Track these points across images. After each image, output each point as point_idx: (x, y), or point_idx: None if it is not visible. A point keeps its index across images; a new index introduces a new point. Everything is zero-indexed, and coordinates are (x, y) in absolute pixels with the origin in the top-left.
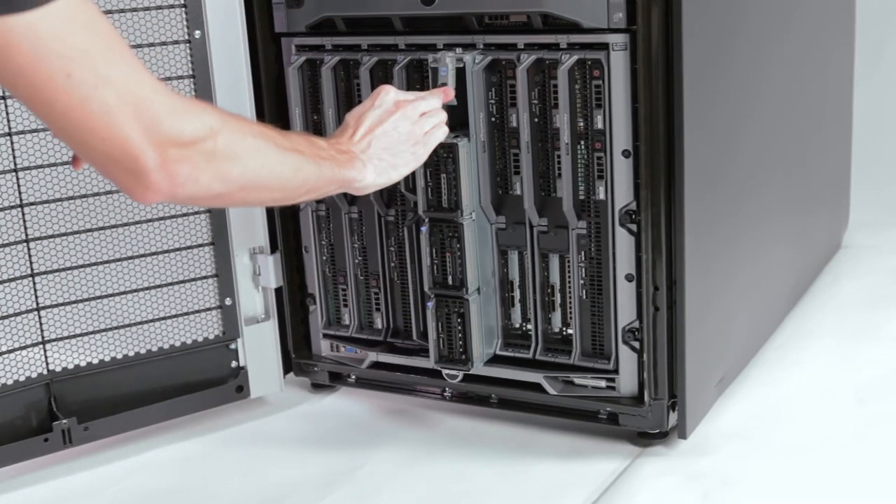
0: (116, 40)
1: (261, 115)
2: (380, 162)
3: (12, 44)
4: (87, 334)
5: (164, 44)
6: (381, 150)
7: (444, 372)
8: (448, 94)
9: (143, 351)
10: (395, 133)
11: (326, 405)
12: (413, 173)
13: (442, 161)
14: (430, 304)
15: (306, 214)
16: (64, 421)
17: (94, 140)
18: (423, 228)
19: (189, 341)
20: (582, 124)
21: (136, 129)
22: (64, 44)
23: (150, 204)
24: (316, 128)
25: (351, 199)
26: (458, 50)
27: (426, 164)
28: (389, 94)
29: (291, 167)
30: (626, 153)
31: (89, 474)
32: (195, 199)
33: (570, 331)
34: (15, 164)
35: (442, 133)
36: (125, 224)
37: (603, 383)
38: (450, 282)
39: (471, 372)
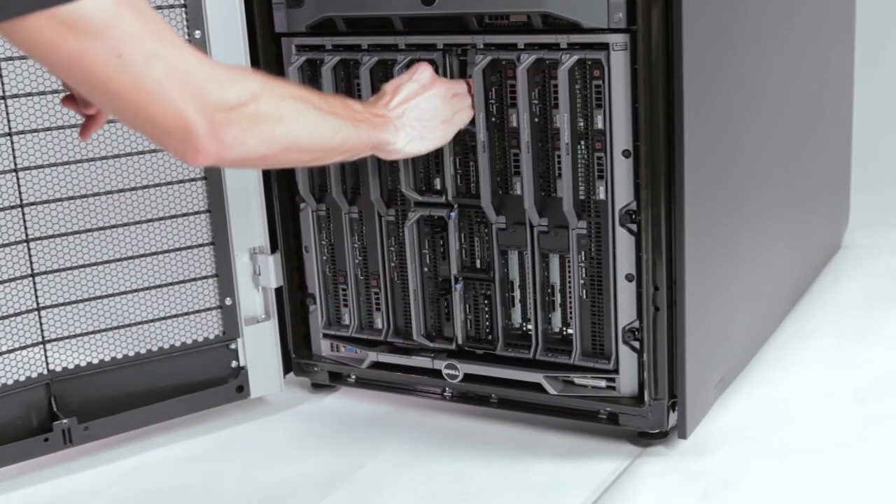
0: (157, 18)
1: None
2: (411, 130)
3: (65, 33)
4: (87, 334)
5: None
6: (413, 119)
7: (444, 372)
8: (473, 86)
9: (143, 351)
10: (429, 108)
11: (326, 405)
12: (442, 162)
13: (470, 149)
14: (458, 287)
15: (306, 214)
16: (64, 421)
17: (147, 114)
18: (452, 214)
19: (189, 341)
20: (582, 124)
21: (185, 100)
22: (114, 27)
23: (202, 166)
24: None
25: (351, 199)
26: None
27: (455, 153)
28: (426, 71)
29: (330, 129)
30: (626, 153)
31: (89, 474)
32: (242, 161)
33: (570, 331)
34: (15, 164)
35: (468, 116)
36: (125, 224)
37: (603, 383)
38: (478, 265)
39: (471, 372)
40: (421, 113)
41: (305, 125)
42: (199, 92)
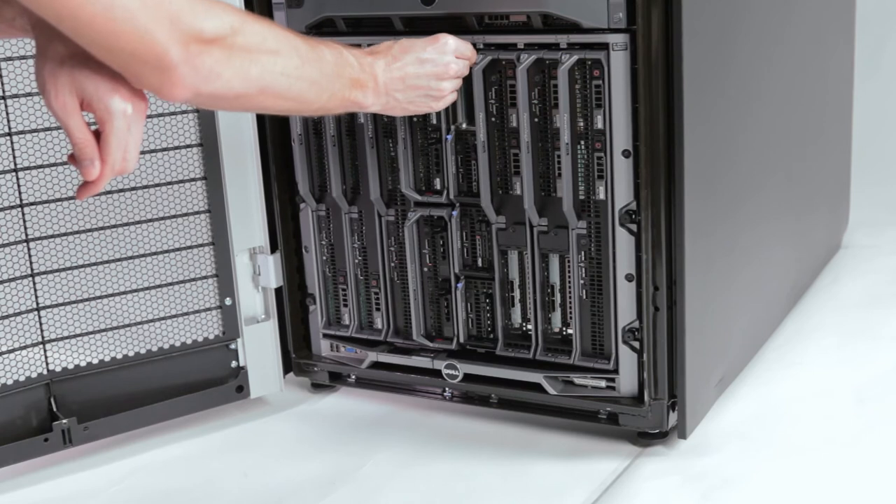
0: None
1: (260, 115)
2: (392, 100)
3: None
4: (87, 334)
5: None
6: (400, 93)
7: (444, 372)
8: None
9: (143, 351)
10: (425, 86)
11: (326, 405)
12: (442, 161)
13: (471, 149)
14: (460, 286)
15: (306, 214)
16: (64, 421)
17: (121, 44)
18: (454, 213)
19: (189, 341)
20: (582, 124)
21: (159, 29)
22: None
23: (179, 101)
24: (316, 127)
25: (351, 199)
26: None
27: (456, 152)
28: (447, 53)
29: (308, 82)
30: (626, 153)
31: (89, 474)
32: (218, 97)
33: (570, 331)
34: (15, 164)
35: (453, 98)
36: (125, 224)
37: (603, 383)
38: (479, 264)
39: (471, 372)
40: (413, 93)
41: (283, 70)
42: (173, 21)
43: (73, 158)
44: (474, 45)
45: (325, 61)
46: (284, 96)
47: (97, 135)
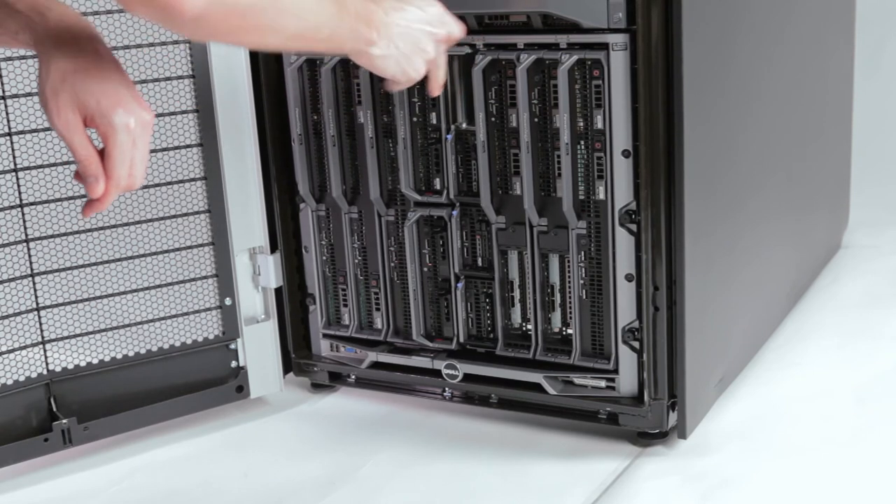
0: None
1: (260, 116)
2: (393, 47)
3: None
4: (87, 334)
5: (164, 44)
6: (401, 40)
7: (444, 372)
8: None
9: (143, 351)
10: (421, 41)
11: (326, 405)
12: (442, 161)
13: (471, 149)
14: (460, 285)
15: (306, 214)
16: (64, 421)
17: None
18: (455, 213)
19: (189, 341)
20: (582, 124)
21: None
22: None
23: (189, 18)
24: (315, 128)
25: (351, 199)
26: None
27: (456, 152)
28: (444, 16)
29: (313, 15)
30: (626, 153)
31: (89, 474)
32: (228, 11)
33: (570, 331)
34: (15, 164)
35: (421, 76)
36: (125, 224)
37: (603, 383)
38: (479, 264)
39: (470, 372)
40: (409, 43)
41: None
42: None
43: (78, 176)
44: (474, 45)
45: None
46: (295, 13)
47: (103, 152)
